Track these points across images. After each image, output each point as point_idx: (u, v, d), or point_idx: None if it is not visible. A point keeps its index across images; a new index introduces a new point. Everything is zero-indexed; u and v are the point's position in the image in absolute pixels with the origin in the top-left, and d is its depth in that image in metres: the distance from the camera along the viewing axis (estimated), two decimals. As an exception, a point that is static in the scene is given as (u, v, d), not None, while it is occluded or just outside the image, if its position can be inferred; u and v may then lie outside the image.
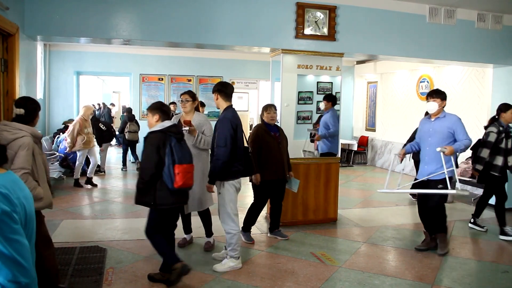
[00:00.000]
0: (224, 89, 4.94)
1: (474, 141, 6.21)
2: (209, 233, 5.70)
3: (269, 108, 5.87)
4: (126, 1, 5.99)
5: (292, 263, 5.21)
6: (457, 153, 5.71)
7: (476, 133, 9.89)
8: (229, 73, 13.61)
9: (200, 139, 5.21)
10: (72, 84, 12.68)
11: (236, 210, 4.98)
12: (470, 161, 9.79)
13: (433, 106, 5.49)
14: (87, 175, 9.57)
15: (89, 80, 17.88)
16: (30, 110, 3.79)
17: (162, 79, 13.29)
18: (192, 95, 5.45)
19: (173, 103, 11.60)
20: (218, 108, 5.01)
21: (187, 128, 5.12)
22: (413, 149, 5.98)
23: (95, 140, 9.86)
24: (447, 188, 5.21)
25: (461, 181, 9.90)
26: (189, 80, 13.45)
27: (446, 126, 5.46)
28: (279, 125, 6.23)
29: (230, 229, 4.89)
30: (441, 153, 5.19)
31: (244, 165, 5.01)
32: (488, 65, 8.44)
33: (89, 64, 12.84)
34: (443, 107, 5.58)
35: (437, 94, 5.56)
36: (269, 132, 5.83)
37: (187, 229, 5.78)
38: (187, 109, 5.39)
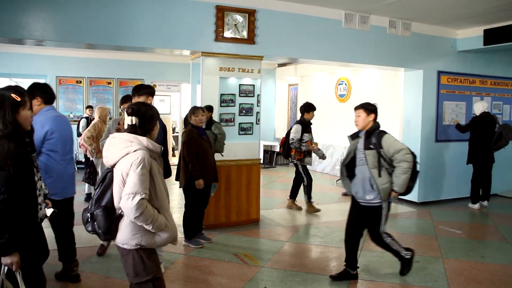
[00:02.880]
0: (154, 92, 4.89)
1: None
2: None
3: (196, 111, 5.79)
4: (38, -1, 5.68)
5: (215, 266, 5.23)
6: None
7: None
8: (151, 76, 13.38)
9: None
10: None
11: None
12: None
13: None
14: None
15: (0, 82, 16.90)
16: (146, 118, 2.98)
17: (81, 81, 12.83)
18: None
19: (90, 107, 11.18)
20: None
21: None
22: None
23: None
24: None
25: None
26: (109, 83, 13.09)
27: None
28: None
29: None
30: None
31: (166, 168, 4.95)
32: (399, 68, 8.91)
33: (-2, 65, 12.05)
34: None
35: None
36: (201, 136, 5.78)
37: None
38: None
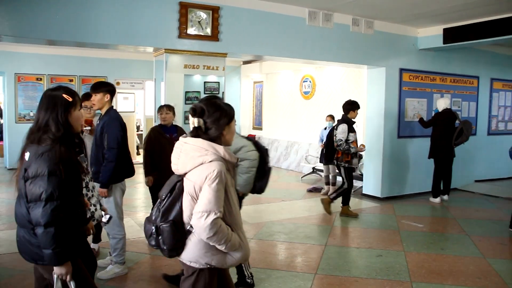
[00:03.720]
0: (114, 89, 4.76)
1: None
2: (97, 239, 5.50)
3: (161, 109, 5.73)
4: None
5: (179, 264, 5.17)
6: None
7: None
8: (114, 73, 13.12)
9: None
10: None
11: (122, 214, 4.86)
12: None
13: None
14: None
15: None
16: (214, 120, 2.63)
17: (41, 79, 12.47)
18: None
19: None
20: (99, 109, 4.79)
21: (88, 128, 5.04)
22: None
23: None
24: None
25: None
26: (71, 81, 12.77)
27: None
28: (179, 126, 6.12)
29: (116, 234, 4.75)
30: None
31: (129, 166, 4.89)
32: (362, 66, 9.03)
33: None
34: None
35: None
36: (163, 134, 5.67)
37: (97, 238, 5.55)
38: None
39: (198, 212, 2.46)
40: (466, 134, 8.56)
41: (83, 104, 5.38)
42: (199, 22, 6.67)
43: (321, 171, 10.20)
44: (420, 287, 4.65)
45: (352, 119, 7.43)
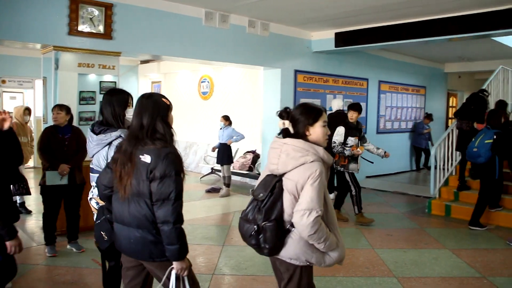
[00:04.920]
0: None
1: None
2: None
3: (53, 109, 5.51)
4: None
5: (72, 273, 4.95)
6: None
7: (250, 131, 10.74)
8: (0, 70, 12.23)
9: None
10: None
11: None
12: (248, 156, 10.55)
13: None
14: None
15: None
16: (299, 121, 2.88)
17: None
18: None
19: None
20: None
21: None
22: None
23: None
24: None
25: (238, 174, 10.63)
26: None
27: None
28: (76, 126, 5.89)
29: None
30: None
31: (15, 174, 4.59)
32: (258, 67, 9.20)
33: None
34: None
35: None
36: (55, 134, 5.46)
37: None
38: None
39: (301, 210, 2.59)
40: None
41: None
42: (91, 19, 6.40)
43: (219, 171, 10.23)
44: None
45: (352, 122, 7.25)
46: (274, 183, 2.74)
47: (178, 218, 2.65)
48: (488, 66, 12.69)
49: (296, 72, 9.39)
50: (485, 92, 8.59)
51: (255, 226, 2.70)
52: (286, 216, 2.71)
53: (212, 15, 7.77)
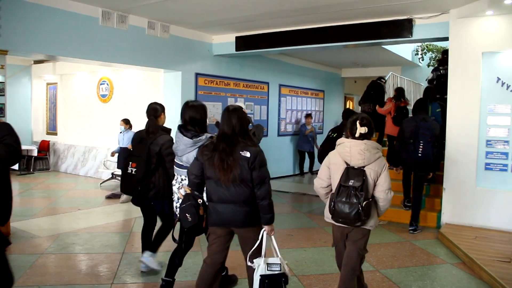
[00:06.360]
0: None
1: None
2: None
3: None
4: None
5: None
6: None
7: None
8: None
9: None
10: None
11: None
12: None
13: None
14: None
15: None
16: (371, 128, 3.87)
17: None
18: None
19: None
20: None
21: None
22: None
23: None
24: None
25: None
26: None
27: None
28: None
29: None
30: None
31: None
32: (159, 69, 9.06)
33: None
34: None
35: None
36: None
37: None
38: None
39: (386, 189, 3.77)
40: (257, 137, 9.14)
41: None
42: (-27, 14, 5.95)
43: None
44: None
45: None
46: (363, 173, 3.69)
47: (271, 195, 3.61)
48: (381, 72, 13.47)
49: (197, 75, 9.37)
50: (382, 79, 9.76)
51: (359, 206, 3.60)
52: (369, 195, 3.74)
53: (109, 15, 7.53)
